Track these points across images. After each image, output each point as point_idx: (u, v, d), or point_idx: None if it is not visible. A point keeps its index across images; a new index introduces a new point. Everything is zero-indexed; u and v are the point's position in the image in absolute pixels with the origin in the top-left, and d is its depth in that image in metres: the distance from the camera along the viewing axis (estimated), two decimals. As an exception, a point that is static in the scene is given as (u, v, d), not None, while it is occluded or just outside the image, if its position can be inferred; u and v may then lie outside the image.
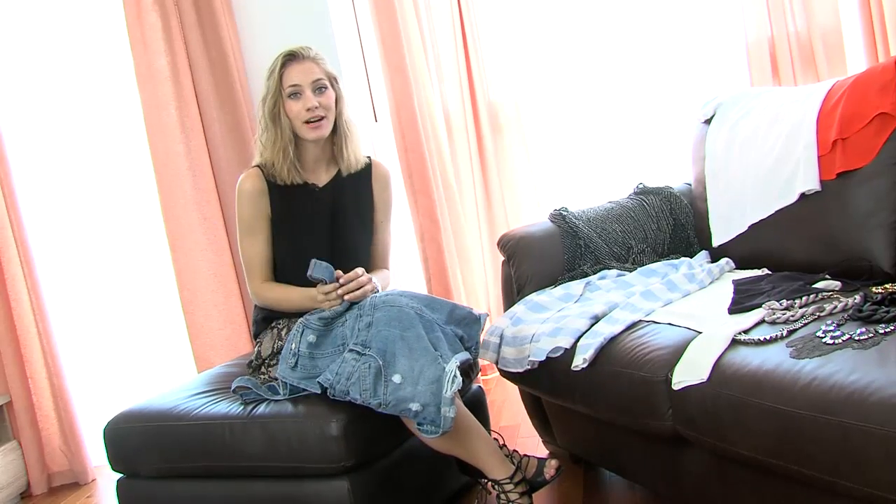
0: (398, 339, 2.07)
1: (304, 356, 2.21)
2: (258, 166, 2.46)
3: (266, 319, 2.48)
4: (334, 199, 2.48)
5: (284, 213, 2.45)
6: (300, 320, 2.28)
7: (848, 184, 2.17)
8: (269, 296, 2.44)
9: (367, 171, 2.55)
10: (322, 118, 2.38)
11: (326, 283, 2.26)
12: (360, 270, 2.30)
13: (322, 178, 2.50)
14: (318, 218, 2.46)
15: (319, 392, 2.17)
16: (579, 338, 2.17)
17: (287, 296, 2.40)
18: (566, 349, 2.17)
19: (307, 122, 2.37)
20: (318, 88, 2.39)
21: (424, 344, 2.07)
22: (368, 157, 2.58)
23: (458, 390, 2.05)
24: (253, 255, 2.45)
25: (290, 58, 2.39)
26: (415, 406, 2.00)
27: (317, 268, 2.24)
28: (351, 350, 2.11)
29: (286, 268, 2.46)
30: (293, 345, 2.23)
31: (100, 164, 3.73)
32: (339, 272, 2.27)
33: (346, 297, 2.25)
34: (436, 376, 2.02)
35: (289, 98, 2.38)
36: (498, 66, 3.68)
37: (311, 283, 2.30)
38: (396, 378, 2.02)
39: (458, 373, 2.05)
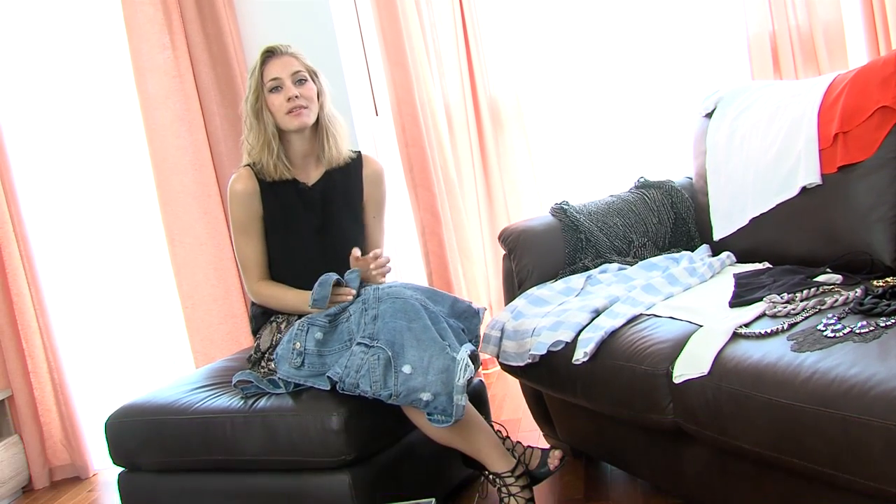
0: (405, 330, 2.08)
1: (312, 354, 2.20)
2: (248, 166, 2.47)
3: (265, 314, 2.49)
4: (324, 196, 2.49)
5: (276, 212, 2.45)
6: (303, 319, 2.27)
7: (849, 177, 2.17)
8: (264, 293, 2.45)
9: (356, 166, 2.55)
10: (304, 107, 2.39)
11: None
12: (378, 251, 2.35)
13: (311, 175, 2.50)
14: (309, 215, 2.46)
15: (328, 388, 2.17)
16: (580, 331, 2.17)
17: (283, 296, 2.41)
18: (567, 343, 2.17)
19: (289, 111, 2.38)
20: (299, 80, 2.41)
21: (432, 334, 2.08)
22: (358, 152, 2.58)
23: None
24: (248, 254, 2.46)
25: (270, 54, 2.43)
26: (426, 396, 2.01)
27: (320, 289, 2.28)
28: (359, 343, 2.11)
29: (279, 265, 2.48)
30: (297, 343, 2.22)
31: (100, 158, 3.73)
32: (366, 258, 2.31)
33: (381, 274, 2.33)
34: (445, 366, 2.03)
35: (270, 92, 2.40)
36: (499, 60, 3.68)
37: (306, 284, 2.31)
38: (406, 368, 2.03)
39: (469, 361, 2.06)
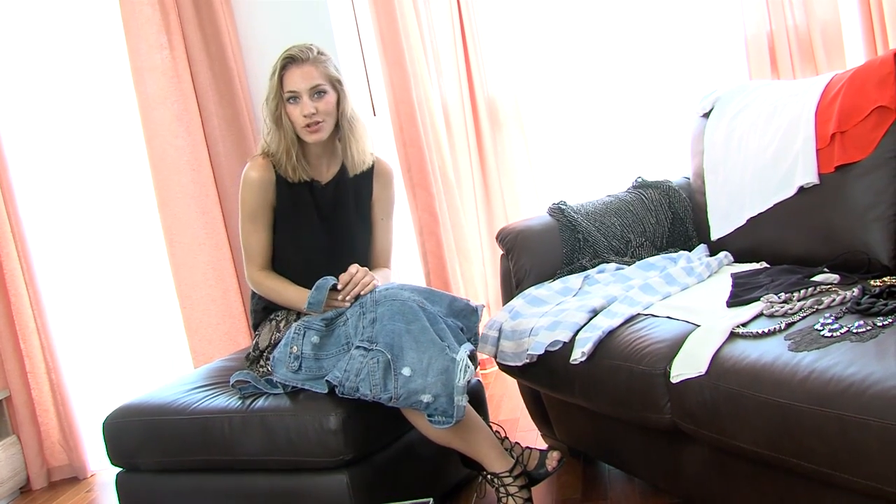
0: (404, 332, 2.07)
1: (309, 358, 2.20)
2: (266, 155, 2.44)
3: (266, 310, 2.48)
4: (336, 197, 2.48)
5: (288, 207, 2.44)
6: (299, 322, 2.27)
7: (846, 177, 2.17)
8: (265, 284, 2.43)
9: (370, 171, 2.54)
10: (319, 122, 2.37)
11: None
12: (353, 268, 2.27)
13: (325, 174, 2.49)
14: (320, 214, 2.46)
15: (326, 392, 2.17)
16: (578, 331, 2.17)
17: (283, 290, 2.40)
18: (565, 343, 2.17)
19: (306, 126, 2.37)
20: (317, 93, 2.36)
21: (430, 336, 2.08)
22: (373, 156, 2.57)
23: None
24: (254, 242, 2.45)
25: (290, 61, 2.37)
26: (426, 398, 2.01)
27: (316, 293, 2.26)
28: (358, 347, 2.11)
29: (284, 259, 2.47)
30: (294, 347, 2.21)
31: (98, 158, 3.73)
32: (341, 277, 2.27)
33: (349, 299, 2.25)
34: (444, 367, 2.03)
35: (288, 102, 2.37)
36: (497, 60, 3.68)
37: (309, 280, 2.30)
38: (406, 371, 2.03)
39: (468, 361, 2.06)
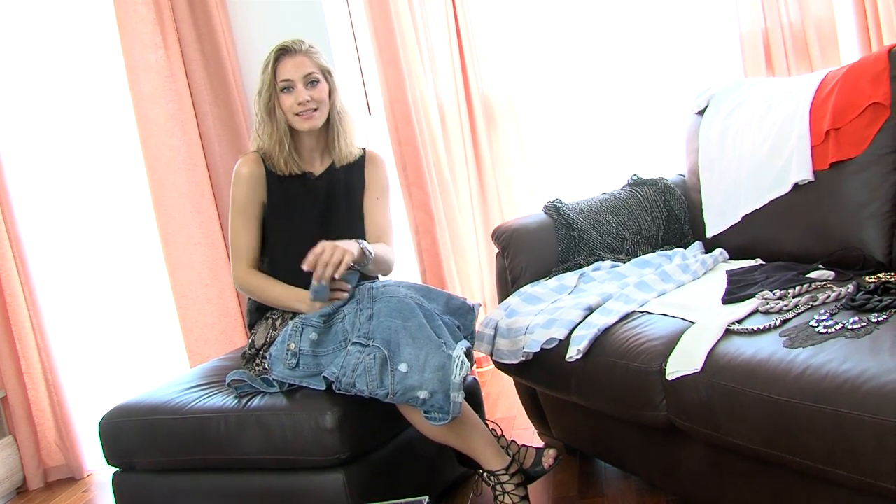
0: (401, 328, 2.07)
1: (307, 354, 2.20)
2: (257, 152, 2.45)
3: (260, 309, 2.48)
4: (328, 188, 2.49)
5: (279, 201, 2.45)
6: (297, 319, 2.27)
7: (841, 174, 2.18)
8: (251, 282, 2.42)
9: (361, 161, 2.55)
10: (314, 110, 2.39)
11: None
12: (318, 248, 2.19)
13: (317, 166, 2.50)
14: (312, 206, 2.46)
15: (323, 388, 2.17)
16: (573, 329, 2.17)
17: (271, 288, 2.38)
18: (560, 340, 2.18)
19: (299, 114, 2.38)
20: (311, 82, 2.39)
21: (427, 332, 2.08)
22: (363, 149, 2.58)
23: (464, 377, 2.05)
24: (242, 239, 2.44)
25: (283, 52, 2.40)
26: (423, 394, 2.01)
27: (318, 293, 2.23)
28: (355, 343, 2.11)
29: (279, 253, 2.46)
30: (291, 344, 2.21)
31: (93, 158, 3.72)
32: (306, 259, 2.20)
33: (325, 280, 2.18)
34: (441, 363, 2.03)
35: (282, 92, 2.39)
36: (492, 58, 3.68)
37: (297, 280, 2.30)
38: (402, 367, 2.03)
39: (465, 358, 2.06)
